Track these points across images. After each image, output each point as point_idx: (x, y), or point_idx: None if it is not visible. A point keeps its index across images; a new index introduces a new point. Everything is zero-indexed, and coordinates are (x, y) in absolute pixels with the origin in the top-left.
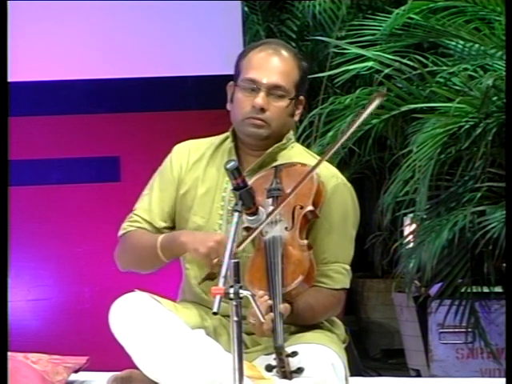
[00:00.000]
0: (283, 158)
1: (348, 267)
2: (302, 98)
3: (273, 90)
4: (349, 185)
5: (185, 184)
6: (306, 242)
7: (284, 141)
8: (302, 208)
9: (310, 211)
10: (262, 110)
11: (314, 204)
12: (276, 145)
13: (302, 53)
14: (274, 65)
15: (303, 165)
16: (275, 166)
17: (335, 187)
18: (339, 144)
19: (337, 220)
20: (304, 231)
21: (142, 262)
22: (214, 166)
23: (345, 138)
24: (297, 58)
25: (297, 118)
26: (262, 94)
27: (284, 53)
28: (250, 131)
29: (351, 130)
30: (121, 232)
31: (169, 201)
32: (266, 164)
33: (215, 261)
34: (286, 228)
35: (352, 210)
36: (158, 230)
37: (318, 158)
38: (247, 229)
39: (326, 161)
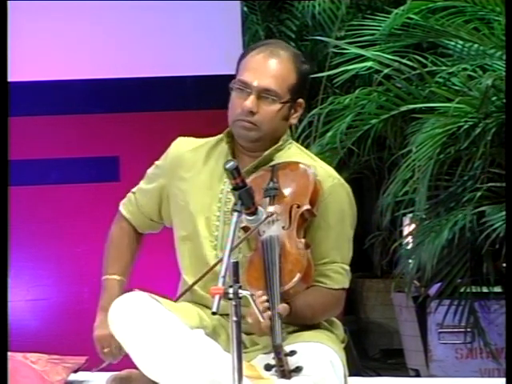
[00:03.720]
0: (280, 158)
1: (347, 267)
2: (300, 100)
3: (263, 93)
4: (346, 185)
5: (180, 180)
6: (303, 240)
7: (280, 143)
8: (298, 207)
9: (307, 210)
10: (252, 112)
11: (311, 203)
12: (273, 147)
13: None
14: (267, 67)
15: (299, 164)
16: (272, 166)
17: (332, 187)
18: None
19: (334, 220)
20: (301, 230)
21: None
22: (209, 167)
23: None
24: (296, 61)
25: (294, 120)
26: (251, 97)
27: (282, 55)
28: (241, 133)
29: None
30: (120, 207)
31: (154, 197)
32: (262, 166)
33: (105, 350)
34: (283, 227)
35: (349, 210)
36: (146, 216)
37: (315, 157)
38: (245, 229)
39: (325, 162)
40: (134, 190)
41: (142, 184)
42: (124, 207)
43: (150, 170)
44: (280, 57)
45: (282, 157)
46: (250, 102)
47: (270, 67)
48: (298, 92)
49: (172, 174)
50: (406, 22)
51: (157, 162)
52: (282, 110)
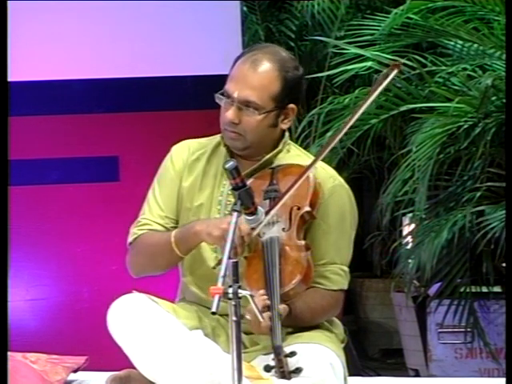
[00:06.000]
0: (279, 161)
1: (346, 269)
2: (291, 106)
3: (244, 105)
4: (346, 186)
5: (186, 181)
6: (303, 242)
7: (280, 147)
8: (299, 209)
9: (307, 212)
10: (234, 123)
11: (311, 205)
12: (272, 152)
13: (300, 53)
14: (248, 78)
15: (300, 166)
16: (272, 168)
17: (332, 188)
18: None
19: (334, 221)
20: (301, 232)
21: (157, 261)
22: (211, 169)
23: (357, 115)
24: (281, 69)
25: (285, 126)
26: (232, 108)
27: (265, 64)
28: (228, 142)
29: (368, 101)
30: (131, 238)
31: (174, 198)
32: (262, 169)
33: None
34: (284, 229)
35: (349, 212)
36: (168, 230)
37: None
38: None
39: (324, 162)
40: (142, 216)
41: (158, 194)
42: (141, 231)
43: (158, 178)
44: (263, 66)
45: (281, 159)
46: (230, 113)
47: (251, 78)
48: (286, 98)
49: (179, 177)
50: (405, 22)
51: (163, 173)
52: (266, 119)
